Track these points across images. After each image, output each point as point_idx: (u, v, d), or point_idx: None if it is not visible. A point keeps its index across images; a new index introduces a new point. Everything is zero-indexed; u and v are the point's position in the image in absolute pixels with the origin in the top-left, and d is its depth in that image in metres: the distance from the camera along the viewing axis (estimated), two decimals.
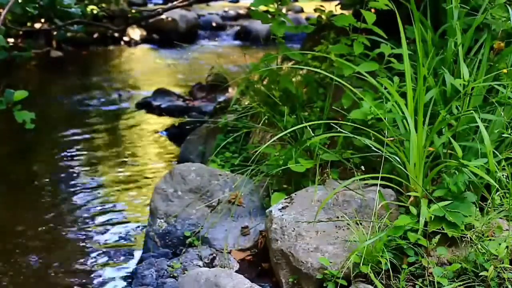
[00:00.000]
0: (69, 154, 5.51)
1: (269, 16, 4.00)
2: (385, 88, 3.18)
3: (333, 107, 3.57)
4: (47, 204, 4.51)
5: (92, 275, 3.53)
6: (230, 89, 5.90)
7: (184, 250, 3.32)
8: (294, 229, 2.91)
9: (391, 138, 2.98)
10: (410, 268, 2.68)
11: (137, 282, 3.17)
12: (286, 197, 3.18)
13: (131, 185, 4.85)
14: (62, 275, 3.56)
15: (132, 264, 3.59)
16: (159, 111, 6.76)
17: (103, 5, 9.02)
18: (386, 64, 3.59)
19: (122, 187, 4.81)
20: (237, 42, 11.04)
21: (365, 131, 3.08)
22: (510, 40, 3.41)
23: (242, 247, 3.32)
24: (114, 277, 3.49)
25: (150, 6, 12.22)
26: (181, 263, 3.19)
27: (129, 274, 3.48)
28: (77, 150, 5.62)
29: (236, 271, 3.06)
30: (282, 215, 2.99)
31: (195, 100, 7.01)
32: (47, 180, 4.96)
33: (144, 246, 3.50)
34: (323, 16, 4.43)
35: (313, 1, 10.64)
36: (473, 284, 2.56)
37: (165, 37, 10.57)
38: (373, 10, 3.68)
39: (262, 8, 4.10)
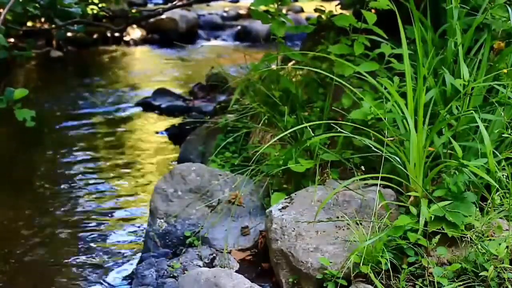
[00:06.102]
0: (68, 154, 5.51)
1: (269, 16, 4.00)
2: (385, 88, 3.18)
3: (333, 107, 3.56)
4: (46, 203, 4.51)
5: (92, 275, 3.53)
6: (230, 89, 5.90)
7: (184, 250, 3.31)
8: (294, 229, 2.90)
9: (391, 138, 2.98)
10: (410, 268, 2.67)
11: (137, 282, 3.17)
12: (286, 197, 3.18)
13: (131, 185, 4.86)
14: (62, 275, 3.56)
15: (132, 264, 3.59)
16: (159, 111, 6.76)
17: (103, 5, 9.01)
18: (386, 64, 3.59)
19: (122, 187, 4.81)
20: (237, 42, 11.03)
21: (365, 131, 3.07)
22: (510, 40, 3.41)
23: (242, 247, 3.32)
24: (114, 277, 3.49)
25: (150, 6, 12.20)
26: (181, 263, 3.19)
27: (129, 274, 3.48)
28: (77, 150, 5.62)
29: (236, 271, 3.06)
30: (282, 215, 2.99)
31: (195, 100, 7.00)
32: (46, 179, 4.96)
33: (144, 246, 3.50)
34: (323, 16, 4.43)
35: (313, 1, 10.65)
36: (473, 284, 2.56)
37: (165, 37, 10.56)
38: (373, 10, 3.68)
39: (262, 8, 4.10)
